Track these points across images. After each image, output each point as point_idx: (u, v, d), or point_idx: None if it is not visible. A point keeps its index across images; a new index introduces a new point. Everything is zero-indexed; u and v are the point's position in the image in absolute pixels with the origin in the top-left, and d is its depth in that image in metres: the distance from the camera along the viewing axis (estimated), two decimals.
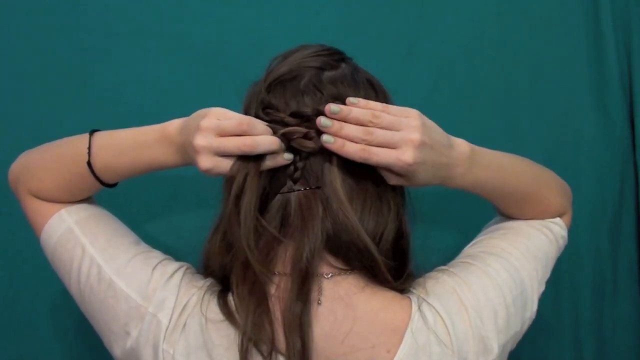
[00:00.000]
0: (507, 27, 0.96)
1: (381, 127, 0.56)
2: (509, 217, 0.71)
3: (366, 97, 0.61)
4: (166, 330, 0.57)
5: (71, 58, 0.93)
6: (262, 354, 0.55)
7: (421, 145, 0.55)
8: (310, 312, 0.56)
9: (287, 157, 0.58)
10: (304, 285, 0.56)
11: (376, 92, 0.63)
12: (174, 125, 0.62)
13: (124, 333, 0.60)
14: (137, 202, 0.91)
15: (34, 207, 0.68)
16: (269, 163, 0.57)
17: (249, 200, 0.56)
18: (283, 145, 0.58)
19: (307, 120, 0.58)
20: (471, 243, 0.70)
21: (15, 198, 0.94)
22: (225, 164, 0.57)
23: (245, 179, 0.56)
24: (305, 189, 0.58)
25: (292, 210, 0.58)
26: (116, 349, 0.61)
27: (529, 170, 0.70)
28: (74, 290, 0.65)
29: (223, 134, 0.56)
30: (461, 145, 0.60)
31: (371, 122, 0.56)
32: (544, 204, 0.70)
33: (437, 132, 0.58)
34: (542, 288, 0.66)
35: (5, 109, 0.93)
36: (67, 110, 0.93)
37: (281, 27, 0.94)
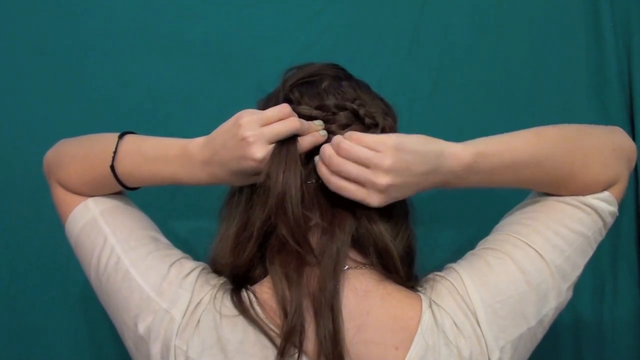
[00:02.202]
0: (507, 27, 0.96)
1: (350, 159, 0.56)
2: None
3: (383, 107, 0.65)
4: (179, 326, 0.58)
5: (71, 58, 0.93)
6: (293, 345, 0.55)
7: (387, 188, 0.56)
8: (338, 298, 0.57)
9: (323, 133, 0.60)
10: (335, 271, 0.57)
11: (387, 106, 0.67)
12: (195, 142, 0.62)
13: (133, 325, 0.60)
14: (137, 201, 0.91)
15: (61, 196, 0.70)
16: (309, 138, 0.59)
17: (295, 191, 0.57)
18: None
19: (333, 114, 0.62)
20: (499, 224, 0.67)
21: (14, 197, 0.95)
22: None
23: (284, 170, 0.57)
24: None
25: (323, 200, 0.60)
26: (128, 340, 0.62)
27: (558, 149, 0.62)
28: (93, 278, 0.65)
29: (268, 123, 0.58)
30: (457, 158, 0.58)
31: (337, 151, 0.57)
32: (580, 181, 0.62)
33: (415, 162, 0.56)
34: (577, 273, 0.62)
35: (4, 109, 0.93)
36: (67, 110, 0.93)
37: (281, 27, 0.95)
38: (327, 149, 0.58)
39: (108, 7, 0.94)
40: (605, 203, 0.63)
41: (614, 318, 0.94)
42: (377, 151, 0.56)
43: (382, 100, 0.67)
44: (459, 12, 0.96)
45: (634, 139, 0.93)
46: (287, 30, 0.94)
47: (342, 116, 0.62)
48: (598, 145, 0.64)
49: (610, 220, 0.65)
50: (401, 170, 0.56)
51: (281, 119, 0.58)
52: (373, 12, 0.96)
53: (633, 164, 0.66)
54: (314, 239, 0.60)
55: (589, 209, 0.63)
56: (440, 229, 0.92)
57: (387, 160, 0.55)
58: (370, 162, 0.55)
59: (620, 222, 0.94)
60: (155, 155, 0.64)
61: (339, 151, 0.57)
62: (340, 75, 0.67)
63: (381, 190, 0.56)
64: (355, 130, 0.61)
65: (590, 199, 0.63)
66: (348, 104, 0.63)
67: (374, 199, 0.57)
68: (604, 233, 0.65)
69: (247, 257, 0.61)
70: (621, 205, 0.93)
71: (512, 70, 0.95)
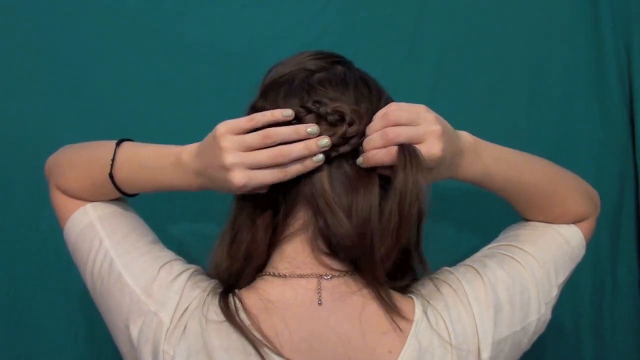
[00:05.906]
0: (507, 27, 0.96)
1: (400, 124, 0.57)
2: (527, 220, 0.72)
3: (357, 95, 0.61)
4: (167, 330, 0.57)
5: (71, 58, 0.93)
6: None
7: (443, 135, 0.57)
8: (312, 309, 0.57)
9: (317, 159, 0.58)
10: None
11: (370, 90, 0.62)
12: (188, 151, 0.61)
13: (124, 327, 0.60)
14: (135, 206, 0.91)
15: (60, 201, 0.70)
16: (298, 167, 0.58)
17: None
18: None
19: (296, 118, 0.58)
20: (488, 245, 0.70)
21: (14, 198, 0.95)
22: (260, 175, 0.56)
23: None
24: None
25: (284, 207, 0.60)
26: (121, 344, 0.62)
27: (546, 169, 0.70)
28: (88, 282, 0.66)
29: (249, 149, 0.56)
30: (465, 135, 0.63)
31: (386, 122, 0.57)
32: (563, 206, 0.69)
33: (446, 122, 0.60)
34: (555, 292, 0.66)
35: (4, 109, 0.93)
36: (67, 110, 0.93)
37: (281, 27, 0.94)
38: (374, 134, 0.58)
39: (108, 7, 0.93)
40: (571, 231, 0.70)
41: (614, 318, 0.94)
42: (417, 111, 0.58)
43: (365, 83, 0.63)
44: (458, 12, 0.96)
45: (634, 138, 0.93)
46: (287, 30, 0.94)
47: (309, 119, 0.59)
48: (573, 178, 0.72)
49: (579, 251, 0.70)
50: (443, 123, 0.58)
51: (264, 144, 0.56)
52: (373, 12, 0.96)
53: (598, 211, 0.74)
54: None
55: (560, 231, 0.70)
56: (440, 229, 0.92)
57: (430, 114, 0.58)
58: (419, 118, 0.57)
59: (620, 222, 0.95)
60: (150, 164, 0.64)
61: (388, 117, 0.57)
62: (318, 68, 0.63)
63: (439, 134, 0.57)
64: (322, 128, 0.58)
65: (559, 227, 0.70)
66: (311, 106, 0.59)
67: (437, 148, 0.56)
68: (575, 261, 0.70)
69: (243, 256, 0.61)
70: (621, 205, 0.94)
71: (512, 70, 0.95)
